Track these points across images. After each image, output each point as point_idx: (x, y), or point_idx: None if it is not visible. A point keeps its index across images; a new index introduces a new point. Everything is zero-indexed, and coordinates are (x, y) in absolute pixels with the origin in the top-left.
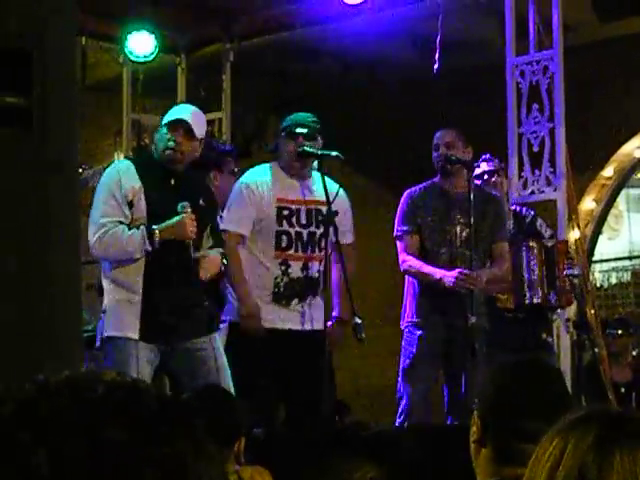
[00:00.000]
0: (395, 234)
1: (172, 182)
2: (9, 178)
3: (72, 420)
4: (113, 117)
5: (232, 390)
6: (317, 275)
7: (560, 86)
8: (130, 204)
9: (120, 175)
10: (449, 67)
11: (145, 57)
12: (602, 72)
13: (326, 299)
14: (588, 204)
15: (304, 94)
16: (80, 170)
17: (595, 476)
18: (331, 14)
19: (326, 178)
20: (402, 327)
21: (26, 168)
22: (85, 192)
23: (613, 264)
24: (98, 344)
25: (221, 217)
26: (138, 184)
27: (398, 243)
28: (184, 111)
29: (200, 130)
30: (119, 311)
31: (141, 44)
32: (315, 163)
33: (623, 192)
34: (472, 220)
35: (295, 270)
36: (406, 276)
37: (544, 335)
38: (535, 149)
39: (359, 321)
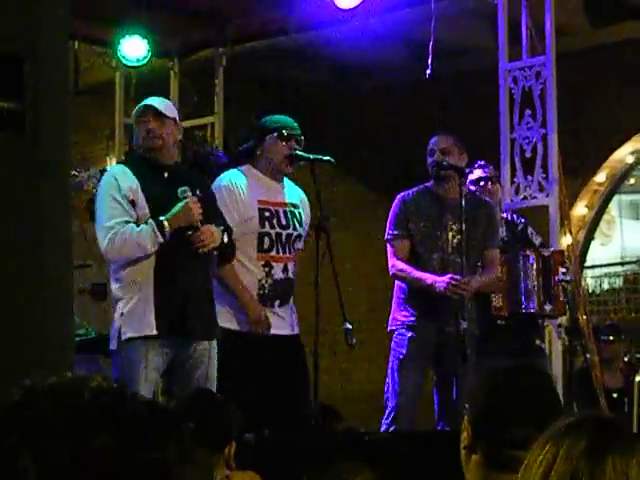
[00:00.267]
0: (386, 238)
1: (165, 175)
2: (1, 182)
3: (58, 425)
4: (106, 121)
5: None
6: (293, 277)
7: (553, 92)
8: (132, 203)
9: (117, 178)
10: (442, 72)
11: (138, 61)
12: (595, 77)
13: (323, 301)
14: (580, 210)
15: (298, 99)
16: (75, 173)
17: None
18: (325, 19)
19: (292, 184)
20: (389, 329)
21: (19, 172)
22: (79, 195)
23: (605, 270)
24: (114, 348)
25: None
26: (135, 183)
27: (388, 247)
28: (147, 100)
29: (169, 111)
30: (136, 312)
31: (134, 48)
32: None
33: (615, 198)
34: (463, 226)
35: (277, 272)
36: (395, 279)
37: (537, 341)
38: (527, 155)
39: (349, 326)
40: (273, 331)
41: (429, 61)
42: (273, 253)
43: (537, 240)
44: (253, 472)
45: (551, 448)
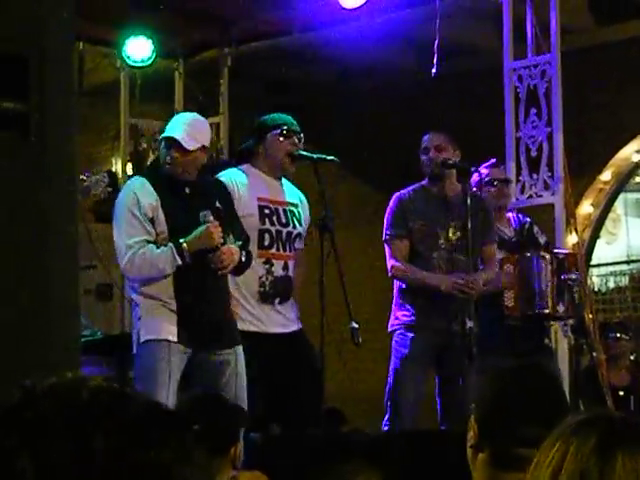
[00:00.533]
0: (385, 238)
1: (187, 191)
2: (7, 184)
3: (57, 425)
4: (111, 122)
5: (245, 404)
6: (292, 275)
7: (558, 90)
8: (151, 220)
9: (137, 193)
10: (447, 71)
11: (143, 62)
12: (600, 76)
13: (327, 301)
14: (586, 208)
15: (302, 99)
16: (82, 178)
17: (597, 479)
18: (329, 19)
19: (290, 184)
20: (390, 329)
21: (24, 173)
22: (86, 200)
23: (611, 268)
24: (135, 351)
25: None
26: (155, 199)
27: (387, 247)
28: (176, 126)
29: (195, 142)
30: (156, 316)
31: (139, 49)
32: None
33: (621, 196)
34: (470, 225)
35: (277, 269)
36: (394, 279)
37: (546, 341)
38: (533, 153)
39: (356, 326)
40: (275, 329)
41: (434, 60)
42: (273, 250)
43: (542, 239)
44: (259, 472)
45: (561, 446)
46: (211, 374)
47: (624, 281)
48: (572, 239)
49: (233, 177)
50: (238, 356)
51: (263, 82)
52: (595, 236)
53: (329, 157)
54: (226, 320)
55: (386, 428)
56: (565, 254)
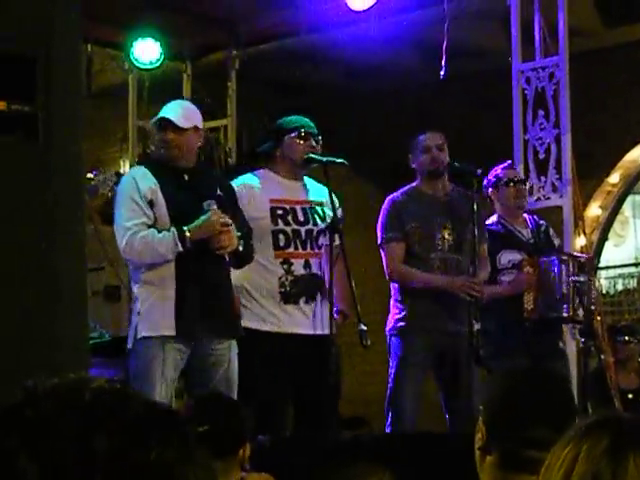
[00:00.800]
0: (381, 241)
1: (185, 178)
2: (15, 185)
3: (59, 426)
4: (119, 124)
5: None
6: (320, 273)
7: (566, 92)
8: (151, 203)
9: (136, 179)
10: (455, 73)
11: (151, 64)
12: (608, 78)
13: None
14: (594, 211)
15: (310, 101)
16: (91, 176)
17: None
18: (336, 21)
19: (316, 183)
20: (388, 332)
21: (32, 174)
22: (95, 199)
23: (619, 271)
24: (130, 346)
25: None
26: (154, 183)
27: (384, 250)
28: (168, 109)
29: (188, 120)
30: (154, 312)
31: (147, 51)
32: None
33: (629, 198)
34: (476, 229)
35: (297, 268)
36: (392, 282)
37: (560, 344)
38: (541, 156)
39: (364, 328)
40: (296, 330)
41: (442, 62)
42: (291, 250)
43: (556, 242)
44: (268, 474)
45: (572, 448)
46: (204, 365)
47: (632, 283)
48: (580, 241)
49: (245, 181)
50: (232, 352)
51: (271, 84)
52: (603, 238)
53: (338, 160)
54: (225, 310)
55: (388, 431)
56: (586, 258)
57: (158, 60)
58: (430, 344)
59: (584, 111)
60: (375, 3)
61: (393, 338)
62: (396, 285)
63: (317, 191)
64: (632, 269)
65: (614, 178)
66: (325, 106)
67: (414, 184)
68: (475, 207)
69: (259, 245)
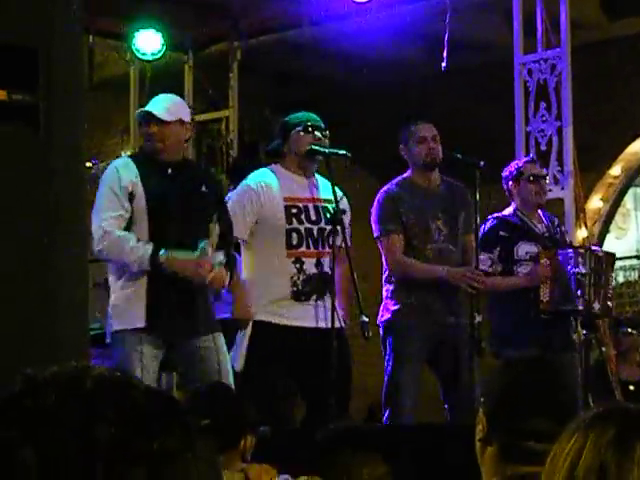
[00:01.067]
0: (378, 234)
1: (169, 172)
2: (16, 176)
3: (60, 415)
4: (120, 115)
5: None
6: (329, 271)
7: (568, 84)
8: (131, 195)
9: (118, 170)
10: (457, 66)
11: (152, 55)
12: (610, 70)
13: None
14: (595, 203)
15: (313, 92)
16: (90, 165)
17: (615, 471)
18: (339, 12)
19: (326, 181)
20: (382, 323)
21: (32, 167)
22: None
23: (620, 263)
24: (109, 340)
25: None
26: (135, 175)
27: (383, 243)
28: (153, 102)
29: (171, 114)
30: (126, 305)
31: (148, 42)
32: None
33: (630, 191)
34: (478, 219)
35: (309, 267)
36: (385, 273)
37: (574, 336)
38: (542, 148)
39: (366, 319)
40: (305, 324)
41: (444, 54)
42: (303, 249)
43: (568, 237)
44: (268, 465)
45: (578, 439)
46: (193, 362)
47: (634, 275)
48: (582, 234)
49: (262, 178)
50: (218, 343)
51: (273, 75)
52: (605, 231)
53: (341, 151)
54: (200, 308)
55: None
56: (603, 253)
57: (160, 51)
58: (426, 336)
59: (586, 103)
60: None
61: (388, 330)
62: (392, 277)
63: (328, 188)
64: (634, 261)
65: (616, 170)
66: (327, 98)
67: (406, 175)
68: (477, 198)
69: (271, 243)
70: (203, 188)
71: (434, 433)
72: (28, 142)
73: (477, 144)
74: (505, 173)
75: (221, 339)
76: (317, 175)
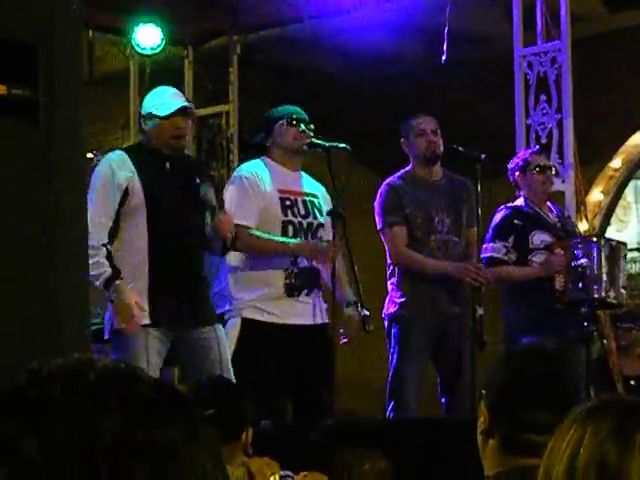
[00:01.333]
0: (381, 226)
1: (167, 166)
2: (16, 172)
3: (64, 406)
4: (120, 110)
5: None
6: (317, 266)
7: (568, 77)
8: (125, 191)
9: (112, 166)
10: (457, 59)
11: (152, 50)
12: (610, 63)
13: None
14: (596, 196)
15: (313, 87)
16: (91, 156)
17: (616, 462)
18: (339, 7)
19: (309, 176)
20: (388, 315)
21: (33, 162)
22: None
23: None
24: (107, 336)
25: None
26: (132, 172)
27: (387, 235)
28: (175, 96)
29: (169, 107)
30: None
31: (148, 37)
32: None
33: (631, 183)
34: (479, 211)
35: (302, 260)
36: (389, 265)
37: (591, 327)
38: (543, 140)
39: (367, 313)
40: (297, 321)
41: (444, 47)
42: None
43: (576, 230)
44: (270, 458)
45: (577, 430)
46: (194, 352)
47: (635, 268)
48: (582, 226)
49: (254, 169)
50: (219, 333)
51: (273, 70)
52: (605, 223)
53: (341, 145)
54: (201, 299)
55: (391, 416)
56: (617, 243)
57: (160, 46)
58: (431, 328)
59: (586, 96)
60: None
61: (393, 323)
62: (396, 269)
63: (311, 184)
64: (635, 254)
65: (616, 163)
66: (327, 93)
67: (408, 168)
68: (479, 189)
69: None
70: (197, 181)
71: (435, 426)
72: (28, 137)
73: (477, 137)
74: (511, 165)
75: (221, 330)
76: (302, 171)
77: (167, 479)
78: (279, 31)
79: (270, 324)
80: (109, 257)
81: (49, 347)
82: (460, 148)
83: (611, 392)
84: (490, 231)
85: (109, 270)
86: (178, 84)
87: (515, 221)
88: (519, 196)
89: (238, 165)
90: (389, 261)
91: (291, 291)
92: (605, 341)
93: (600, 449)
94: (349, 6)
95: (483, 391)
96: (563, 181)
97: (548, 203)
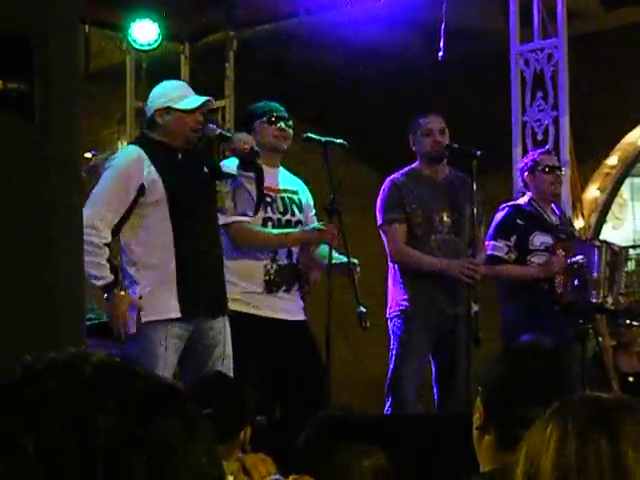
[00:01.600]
0: (382, 222)
1: (179, 157)
2: (11, 168)
3: (60, 402)
4: (116, 105)
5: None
6: (297, 263)
7: (564, 74)
8: (141, 188)
9: (129, 163)
10: (454, 55)
11: (149, 45)
12: (606, 60)
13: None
14: (592, 193)
15: (310, 82)
16: (89, 155)
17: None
18: (336, 2)
19: (287, 171)
20: (389, 315)
21: (28, 157)
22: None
23: None
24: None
25: None
26: (151, 168)
27: (386, 231)
28: (191, 90)
29: (192, 101)
30: (155, 296)
31: (144, 32)
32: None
33: (627, 181)
34: (475, 209)
35: (282, 257)
36: (391, 264)
37: (588, 325)
38: (539, 137)
39: (363, 309)
40: (278, 315)
41: (441, 43)
42: None
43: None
44: (264, 454)
45: (541, 430)
46: (204, 346)
47: (631, 266)
48: (579, 224)
49: (233, 165)
50: (226, 329)
51: (269, 65)
52: (601, 221)
53: (337, 140)
54: (221, 287)
55: (388, 413)
56: (619, 248)
57: (156, 41)
58: (431, 327)
59: (583, 93)
60: None
61: (395, 320)
62: (397, 267)
63: (290, 180)
64: (630, 251)
65: (612, 160)
66: (323, 88)
67: (414, 166)
68: (475, 188)
69: None
70: (205, 169)
71: (431, 423)
72: (23, 132)
73: (473, 134)
74: (520, 164)
75: (228, 326)
76: (280, 167)
77: (164, 475)
78: (275, 26)
79: (253, 316)
80: (109, 259)
81: (45, 342)
82: (455, 144)
83: (607, 389)
84: (491, 229)
85: (111, 277)
86: (174, 79)
87: (517, 221)
88: (517, 197)
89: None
90: (389, 259)
91: (270, 287)
92: (600, 339)
93: (562, 451)
94: (345, 0)
95: (479, 388)
96: None
97: (552, 205)
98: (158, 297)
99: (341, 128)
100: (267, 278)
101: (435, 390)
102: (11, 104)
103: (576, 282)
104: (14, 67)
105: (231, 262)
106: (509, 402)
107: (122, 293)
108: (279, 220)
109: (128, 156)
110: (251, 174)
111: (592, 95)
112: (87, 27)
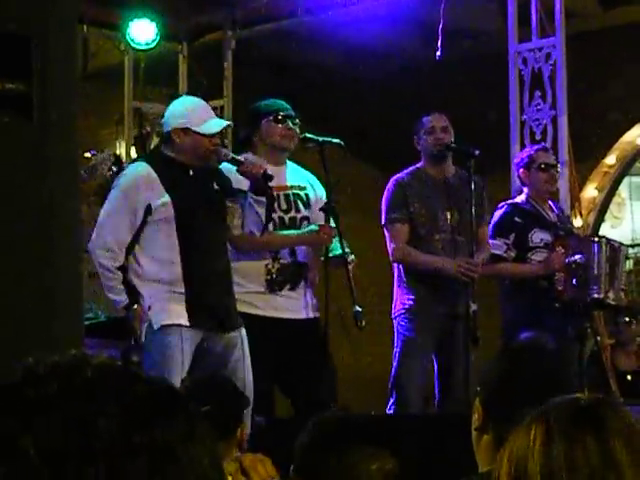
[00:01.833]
0: (385, 222)
1: (191, 173)
2: (9, 168)
3: (61, 405)
4: (115, 105)
5: (251, 388)
6: (303, 260)
7: (563, 73)
8: (148, 208)
9: (138, 182)
10: (451, 54)
11: (147, 45)
12: (604, 59)
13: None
14: (590, 192)
15: (308, 82)
16: (88, 156)
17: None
18: (335, 1)
19: (296, 166)
20: (394, 315)
21: (27, 157)
22: (91, 182)
23: None
24: (145, 340)
25: None
26: (159, 186)
27: (388, 231)
28: (212, 112)
29: (212, 126)
30: (165, 302)
31: (143, 32)
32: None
33: (625, 180)
34: (473, 209)
35: (284, 256)
36: (395, 264)
37: (586, 324)
38: (537, 137)
39: (359, 309)
40: (281, 315)
41: (439, 43)
42: None
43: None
44: (262, 454)
45: (526, 433)
46: (219, 357)
47: (629, 265)
48: (577, 223)
49: (232, 171)
50: (243, 338)
51: (267, 65)
52: (600, 220)
53: (335, 140)
54: (231, 303)
55: (391, 412)
56: (619, 244)
57: (154, 41)
58: (435, 327)
59: (581, 92)
60: None
61: (400, 320)
62: (400, 267)
63: (299, 175)
64: (629, 250)
65: (610, 159)
66: (322, 88)
67: (418, 165)
68: (473, 187)
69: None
70: (215, 186)
71: (431, 422)
72: (21, 133)
73: (472, 133)
74: (516, 160)
75: (245, 335)
76: (288, 162)
77: (166, 478)
78: (274, 26)
79: (254, 316)
80: (124, 281)
81: (44, 342)
82: (453, 144)
83: (605, 388)
84: (490, 228)
85: (127, 300)
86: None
87: (516, 219)
88: (523, 192)
89: None
90: (390, 259)
91: (272, 286)
92: (599, 338)
93: (548, 454)
94: (345, 1)
95: (478, 388)
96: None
97: (550, 202)
98: (168, 303)
99: (341, 127)
100: (269, 277)
101: (437, 389)
102: (9, 104)
103: (574, 282)
104: (12, 67)
105: (233, 262)
106: (508, 402)
107: (135, 307)
108: (281, 219)
109: (135, 175)
110: (262, 199)
111: (590, 94)
112: (85, 27)
